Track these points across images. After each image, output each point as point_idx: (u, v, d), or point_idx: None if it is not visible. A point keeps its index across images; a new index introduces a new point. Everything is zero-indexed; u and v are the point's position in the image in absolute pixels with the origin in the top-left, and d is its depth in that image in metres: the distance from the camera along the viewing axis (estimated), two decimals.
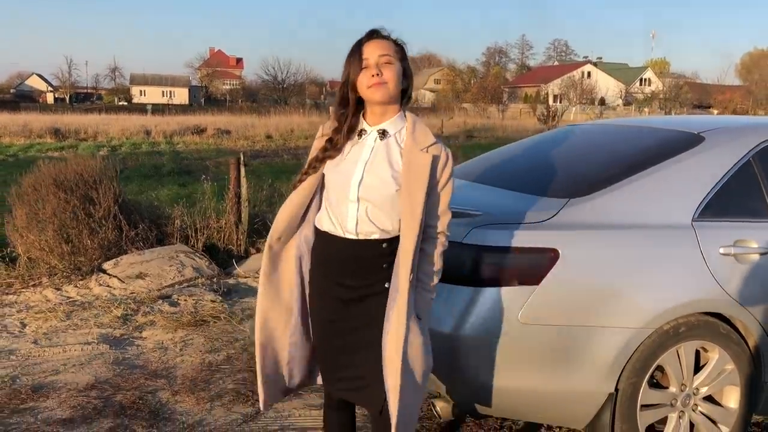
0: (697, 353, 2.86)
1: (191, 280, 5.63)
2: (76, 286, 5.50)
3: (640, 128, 3.55)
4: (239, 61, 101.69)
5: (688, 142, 3.04)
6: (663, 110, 50.68)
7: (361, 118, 2.23)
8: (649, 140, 3.23)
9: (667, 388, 2.85)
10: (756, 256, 2.84)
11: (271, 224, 6.82)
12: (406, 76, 2.18)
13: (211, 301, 5.14)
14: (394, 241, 2.18)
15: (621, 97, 68.00)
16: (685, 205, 2.85)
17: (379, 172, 2.15)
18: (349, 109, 2.19)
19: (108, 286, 5.49)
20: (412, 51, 2.23)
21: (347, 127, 2.20)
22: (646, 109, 52.19)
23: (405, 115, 2.22)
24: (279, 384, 2.42)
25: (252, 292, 5.55)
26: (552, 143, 3.70)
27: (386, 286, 2.20)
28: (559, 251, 2.63)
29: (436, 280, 2.25)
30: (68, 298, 5.27)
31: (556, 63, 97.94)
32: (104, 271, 5.72)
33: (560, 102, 52.88)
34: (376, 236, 2.18)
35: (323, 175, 2.26)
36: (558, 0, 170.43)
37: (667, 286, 2.74)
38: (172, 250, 6.03)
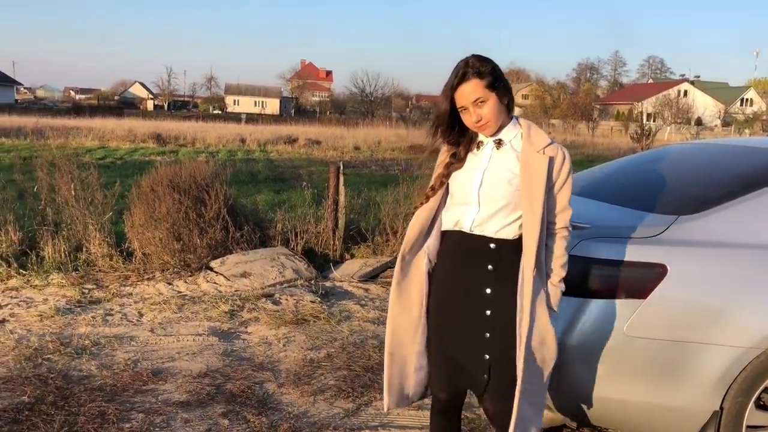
0: None
1: (291, 281, 5.89)
2: (185, 282, 5.87)
3: (753, 148, 3.52)
4: (329, 73, 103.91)
5: None
6: (766, 132, 48.23)
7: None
8: (764, 160, 3.21)
9: None
10: None
11: (366, 232, 6.94)
12: (505, 93, 2.29)
13: (311, 301, 5.37)
14: (503, 246, 2.33)
15: (719, 117, 65.21)
16: None
17: (496, 177, 2.32)
18: (457, 132, 2.37)
19: (215, 283, 5.82)
20: (500, 65, 2.34)
21: (467, 141, 2.39)
22: (747, 131, 49.84)
23: (518, 122, 2.38)
24: (403, 390, 2.54)
25: (348, 295, 5.76)
26: (659, 160, 3.71)
27: (488, 291, 2.35)
28: (668, 267, 2.66)
29: (563, 273, 2.37)
30: (179, 292, 5.63)
31: (650, 81, 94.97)
32: (211, 269, 6.07)
33: (654, 121, 51.22)
34: (487, 234, 2.34)
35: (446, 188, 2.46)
36: (654, 17, 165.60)
37: None
38: (273, 252, 6.33)
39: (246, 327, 4.89)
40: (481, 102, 2.25)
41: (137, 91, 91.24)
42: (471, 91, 2.24)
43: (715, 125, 61.25)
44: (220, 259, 6.19)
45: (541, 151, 2.29)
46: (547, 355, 2.37)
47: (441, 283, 2.44)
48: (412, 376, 2.53)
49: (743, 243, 2.75)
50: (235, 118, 46.61)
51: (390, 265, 6.66)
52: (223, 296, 5.49)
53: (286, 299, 5.41)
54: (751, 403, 2.73)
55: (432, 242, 2.46)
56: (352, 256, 6.92)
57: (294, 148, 25.19)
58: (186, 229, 6.20)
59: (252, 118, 45.51)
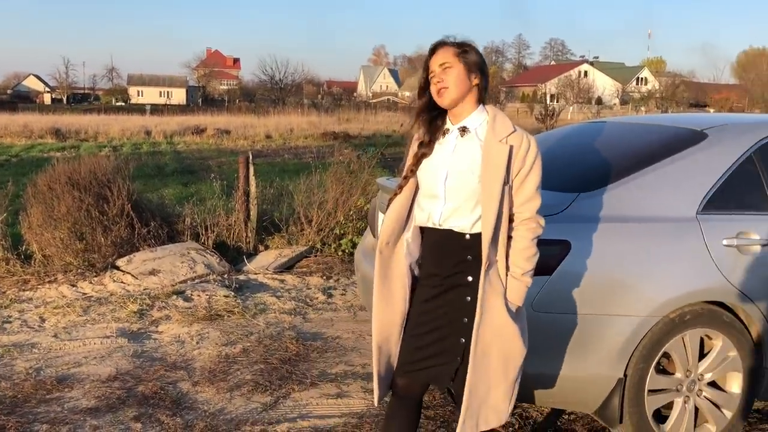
0: (702, 341, 2.98)
1: (203, 277, 5.75)
2: (90, 283, 5.61)
3: (646, 125, 3.68)
4: (236, 61, 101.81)
5: (693, 138, 3.17)
6: (660, 109, 50.88)
7: (447, 118, 2.37)
8: (656, 137, 3.36)
9: (673, 374, 2.98)
10: (758, 248, 2.97)
11: (279, 222, 6.81)
12: (476, 71, 2.28)
13: (224, 296, 5.25)
14: (478, 236, 2.27)
15: (618, 96, 68.26)
16: (690, 199, 2.98)
17: (460, 167, 2.28)
18: (429, 113, 2.35)
19: (122, 282, 5.60)
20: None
21: (433, 129, 2.35)
22: (642, 108, 52.39)
23: (486, 109, 2.34)
24: (390, 381, 2.50)
25: (263, 288, 5.67)
26: (561, 140, 3.83)
27: (469, 279, 2.31)
28: (571, 243, 2.76)
29: (528, 266, 2.30)
30: (84, 294, 5.39)
31: (552, 62, 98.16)
32: (118, 268, 5.83)
33: (557, 101, 53.04)
34: (458, 228, 2.29)
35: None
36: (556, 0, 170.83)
37: (673, 276, 2.87)
38: (183, 247, 6.15)
39: (157, 326, 4.73)
40: (447, 67, 2.25)
41: (32, 84, 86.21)
42: (440, 56, 2.27)
43: (614, 104, 64.13)
44: (127, 257, 5.95)
45: (503, 140, 2.23)
46: (511, 351, 2.32)
47: (425, 275, 2.40)
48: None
49: (638, 217, 2.88)
50: (140, 109, 45.00)
51: (306, 255, 6.61)
52: (132, 295, 5.29)
53: (198, 295, 5.27)
54: (652, 369, 2.88)
55: (411, 235, 2.41)
56: (267, 247, 6.82)
57: (202, 138, 24.59)
58: (89, 228, 5.93)
59: (157, 109, 44.02)
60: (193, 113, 39.56)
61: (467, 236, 2.29)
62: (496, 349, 2.29)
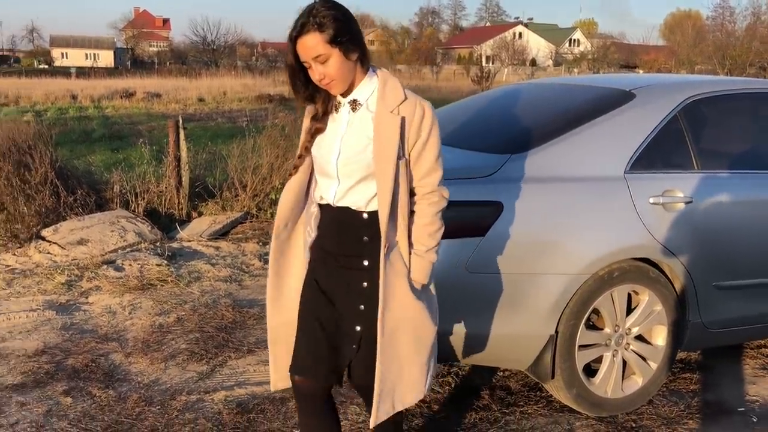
0: (629, 296, 3.08)
1: (134, 245, 5.58)
2: (14, 254, 5.38)
3: (576, 86, 3.72)
4: (166, 21, 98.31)
5: (620, 99, 3.21)
6: (592, 70, 51.87)
7: None
8: (585, 98, 3.40)
9: (602, 329, 3.07)
10: (681, 205, 3.06)
11: (213, 188, 6.61)
12: (353, 49, 2.00)
13: (157, 264, 5.12)
14: (376, 216, 2.08)
15: (551, 58, 69.20)
16: (618, 158, 3.04)
17: (353, 145, 2.07)
18: (311, 88, 2.09)
19: (48, 253, 5.39)
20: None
21: (324, 99, 2.12)
22: (575, 69, 53.32)
23: (376, 75, 2.10)
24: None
25: (197, 255, 5.55)
26: (493, 102, 3.83)
27: (365, 263, 2.13)
28: (503, 204, 2.78)
29: (432, 243, 2.12)
30: (7, 266, 5.16)
31: (488, 24, 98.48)
32: (43, 238, 5.61)
33: (493, 63, 53.44)
34: (354, 206, 2.12)
35: None
36: None
37: (602, 234, 2.93)
38: (112, 216, 5.95)
39: (87, 297, 4.58)
40: (323, 60, 1.96)
41: None
42: (310, 46, 1.94)
43: (548, 65, 65.03)
44: (53, 226, 5.72)
45: (394, 110, 2.01)
46: (420, 331, 2.15)
47: (320, 254, 2.22)
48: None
49: (568, 177, 2.92)
50: (65, 72, 43.01)
51: (241, 221, 6.51)
52: (59, 266, 5.10)
53: (130, 264, 5.12)
54: (582, 325, 2.96)
55: (313, 212, 2.22)
56: (200, 214, 6.67)
57: (132, 102, 23.71)
58: (9, 197, 5.67)
59: (83, 72, 42.20)
60: (121, 76, 38.13)
61: (364, 215, 2.11)
62: (403, 333, 2.13)
